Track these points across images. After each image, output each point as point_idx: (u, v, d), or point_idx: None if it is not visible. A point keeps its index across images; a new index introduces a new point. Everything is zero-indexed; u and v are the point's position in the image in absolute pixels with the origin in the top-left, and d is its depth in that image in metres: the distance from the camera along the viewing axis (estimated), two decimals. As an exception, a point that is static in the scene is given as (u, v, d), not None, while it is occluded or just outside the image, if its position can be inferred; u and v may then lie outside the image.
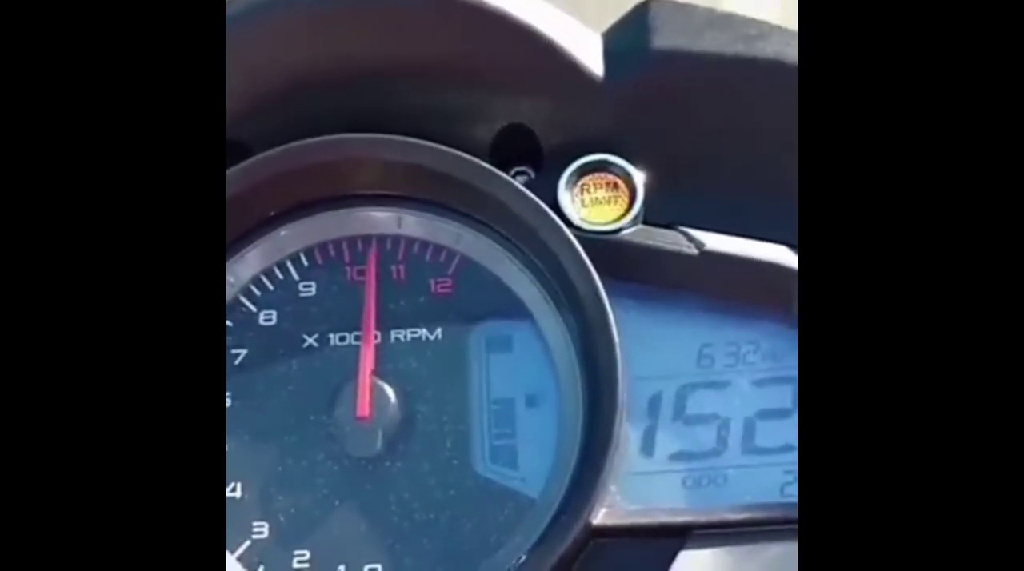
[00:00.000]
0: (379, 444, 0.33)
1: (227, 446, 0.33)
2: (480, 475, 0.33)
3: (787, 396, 0.34)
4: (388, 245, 0.34)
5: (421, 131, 0.35)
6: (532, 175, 0.36)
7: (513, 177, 0.35)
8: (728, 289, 0.34)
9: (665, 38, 0.36)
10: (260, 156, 0.33)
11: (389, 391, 0.33)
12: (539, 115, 0.36)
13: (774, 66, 0.35)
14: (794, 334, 0.34)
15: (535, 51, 0.35)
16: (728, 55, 0.35)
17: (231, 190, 0.33)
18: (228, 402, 0.33)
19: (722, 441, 0.33)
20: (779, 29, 0.36)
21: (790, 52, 0.35)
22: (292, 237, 0.34)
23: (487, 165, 0.34)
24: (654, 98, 0.35)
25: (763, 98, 0.34)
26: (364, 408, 0.33)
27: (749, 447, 0.33)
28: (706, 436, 0.34)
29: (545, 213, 0.33)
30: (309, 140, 0.33)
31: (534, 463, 0.33)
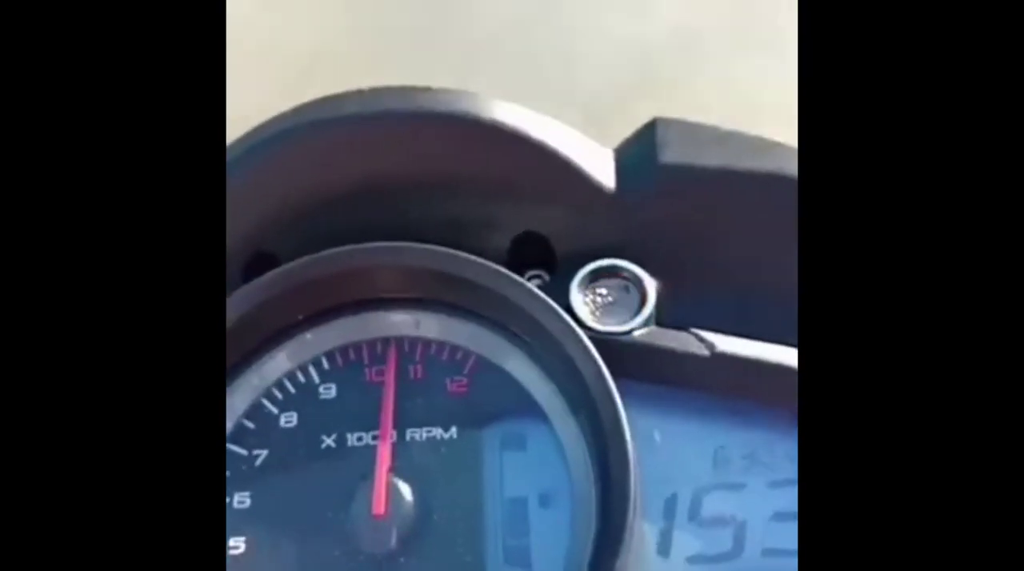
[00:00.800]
0: (393, 541, 0.32)
1: (245, 547, 0.32)
2: (494, 576, 0.32)
3: None
4: (406, 346, 0.34)
5: (441, 239, 0.35)
6: (546, 279, 0.37)
7: (528, 281, 0.35)
8: (741, 390, 0.34)
9: (672, 153, 0.37)
10: (287, 266, 0.34)
11: (405, 489, 0.33)
12: (553, 224, 0.36)
13: (775, 179, 0.35)
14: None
15: (551, 166, 0.36)
16: (732, 169, 0.36)
17: (261, 297, 0.34)
18: (247, 503, 0.33)
19: (739, 543, 0.32)
20: (780, 145, 0.38)
21: (790, 166, 0.37)
22: (315, 341, 0.34)
23: (501, 268, 0.34)
24: (662, 208, 0.36)
25: (765, 209, 0.35)
26: (380, 506, 0.32)
27: (767, 549, 0.32)
28: (723, 538, 0.32)
29: (559, 314, 0.33)
30: (332, 250, 0.34)
31: (547, 564, 0.32)
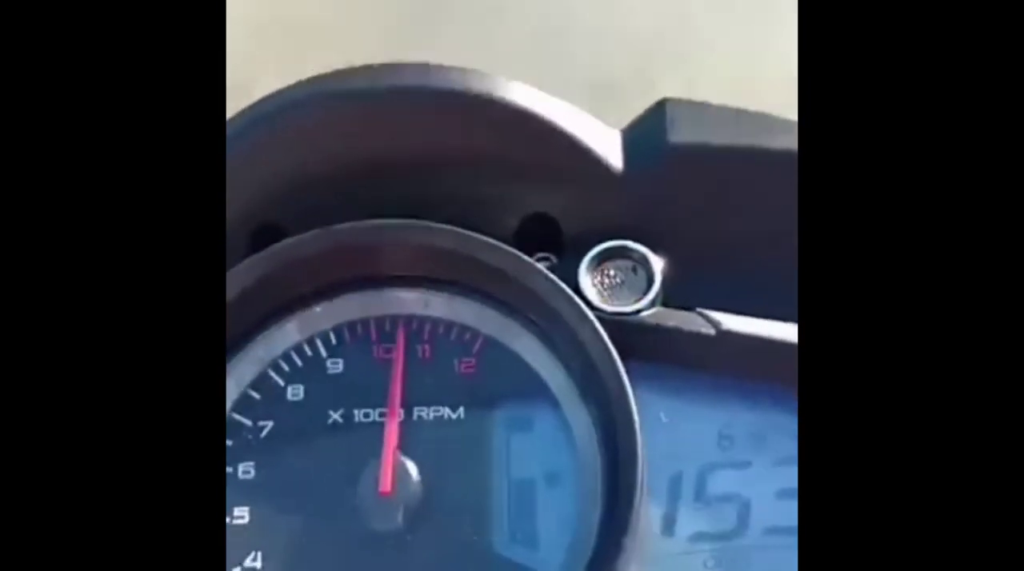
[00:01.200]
0: (400, 519, 0.32)
1: (249, 517, 0.32)
2: (499, 554, 0.32)
3: None
4: (415, 325, 0.35)
5: (450, 218, 0.35)
6: (554, 260, 0.36)
7: (537, 262, 0.36)
8: (747, 369, 0.34)
9: (680, 133, 0.37)
10: (295, 238, 0.34)
11: (412, 468, 0.33)
12: (562, 205, 0.37)
13: (782, 157, 0.35)
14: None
15: (559, 146, 0.36)
16: (739, 147, 0.36)
17: (267, 269, 0.34)
18: (252, 473, 0.33)
19: (743, 521, 0.32)
20: (788, 122, 0.38)
21: (795, 142, 0.37)
22: (324, 315, 0.34)
23: (510, 248, 0.34)
24: (670, 189, 0.36)
25: (772, 187, 0.35)
26: (387, 484, 0.32)
27: (771, 527, 0.32)
28: (727, 516, 0.33)
29: (568, 295, 0.33)
30: (341, 225, 0.34)
31: (553, 543, 0.32)
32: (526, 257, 0.35)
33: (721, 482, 0.33)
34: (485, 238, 0.35)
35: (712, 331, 0.34)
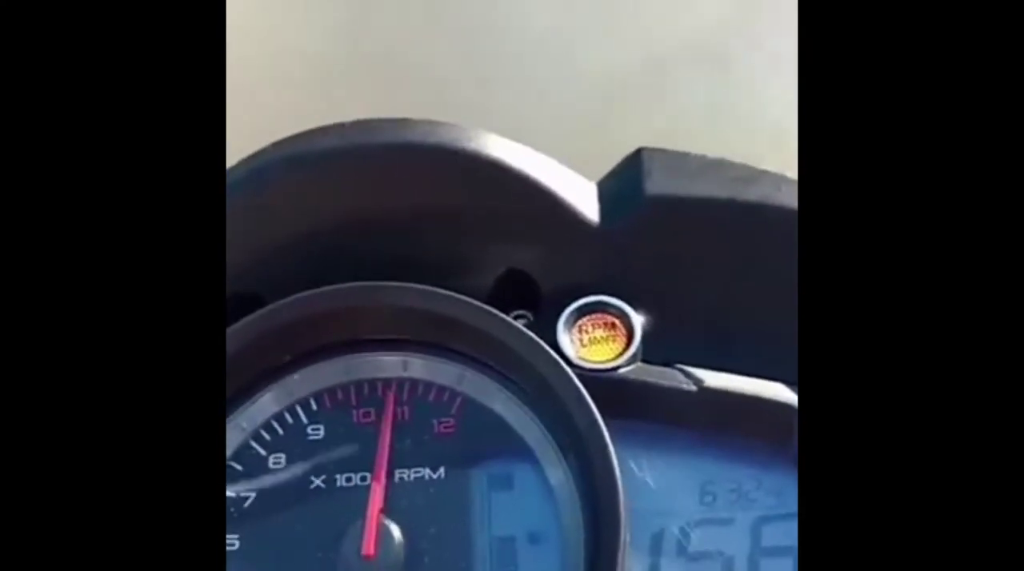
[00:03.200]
0: None
1: (233, 588, 0.34)
2: (483, 615, 0.33)
3: (791, 533, 0.34)
4: (394, 388, 0.36)
5: (423, 277, 0.36)
6: (531, 318, 0.37)
7: (514, 320, 0.37)
8: (728, 426, 0.35)
9: (657, 184, 0.38)
10: (269, 307, 0.35)
11: (395, 530, 0.34)
12: (536, 260, 0.38)
13: (762, 209, 0.36)
14: (795, 471, 0.36)
15: (532, 199, 0.37)
16: (718, 199, 0.38)
17: (243, 340, 0.35)
18: (236, 545, 0.34)
19: (727, 579, 0.35)
20: (768, 174, 0.39)
21: (777, 195, 0.38)
22: (302, 382, 0.36)
23: (486, 306, 0.35)
24: (648, 241, 0.37)
25: (753, 239, 0.36)
26: (370, 547, 0.33)
27: None
28: (709, 573, 0.35)
29: (545, 351, 0.35)
30: (316, 290, 0.35)
31: None
32: (503, 316, 0.36)
33: (704, 539, 0.35)
34: (463, 298, 0.36)
35: (693, 387, 0.35)
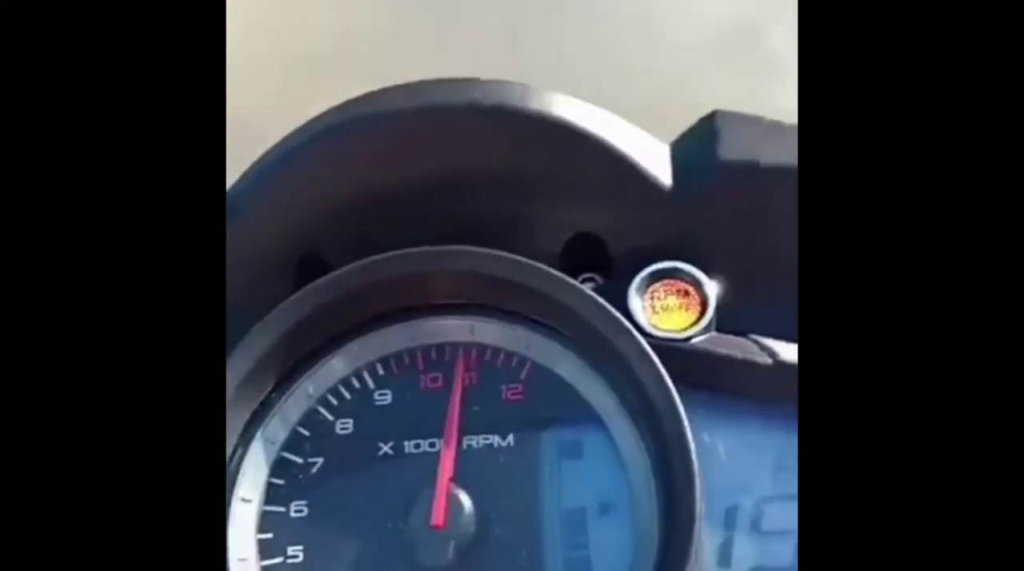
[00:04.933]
0: (451, 554, 0.33)
1: (303, 555, 0.34)
2: (554, 586, 0.34)
3: None
4: (461, 352, 0.36)
5: (493, 240, 0.36)
6: (600, 282, 0.37)
7: (582, 284, 0.36)
8: (802, 398, 0.37)
9: (730, 149, 0.37)
10: (336, 273, 0.35)
11: (465, 499, 0.34)
12: (608, 224, 0.37)
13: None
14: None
15: (604, 162, 0.37)
16: (791, 165, 0.38)
17: (309, 305, 0.35)
18: (304, 511, 0.34)
19: (801, 555, 0.35)
20: None
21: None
22: (369, 347, 0.36)
23: (557, 272, 0.35)
24: (721, 207, 0.36)
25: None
26: (440, 517, 0.33)
27: None
28: (784, 551, 0.34)
29: (617, 319, 0.34)
30: (382, 255, 0.35)
31: None
32: (571, 280, 0.35)
33: (778, 515, 0.34)
34: (530, 262, 0.35)
35: (768, 360, 0.35)
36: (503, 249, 0.36)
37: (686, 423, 0.33)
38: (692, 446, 0.33)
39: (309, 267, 0.36)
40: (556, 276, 0.35)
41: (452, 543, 0.34)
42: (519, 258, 0.36)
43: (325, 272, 0.35)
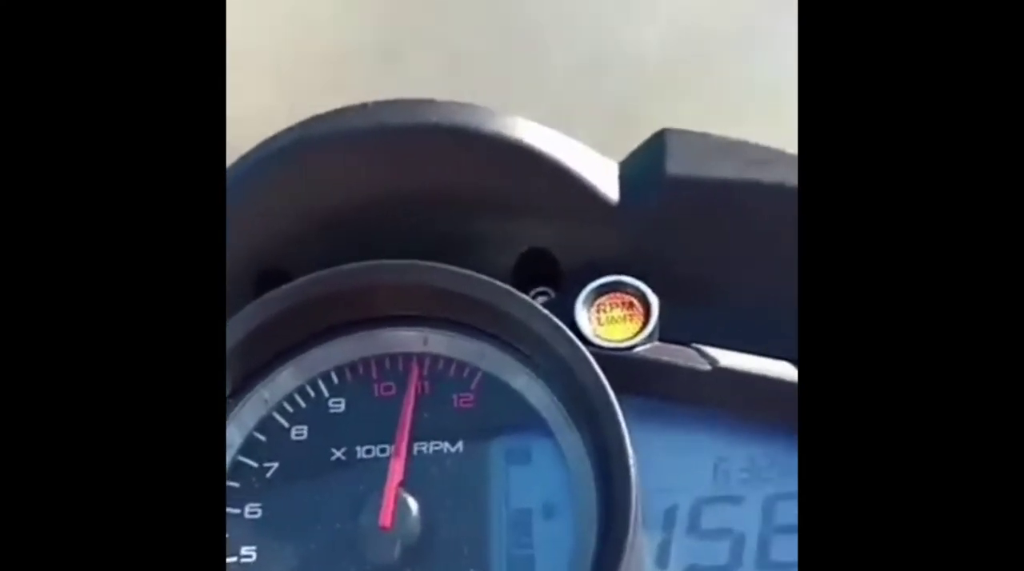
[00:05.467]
0: (397, 553, 0.35)
1: (256, 555, 0.35)
2: (498, 586, 0.35)
3: None
4: (414, 362, 0.38)
5: (448, 256, 0.37)
6: (552, 295, 0.39)
7: (534, 297, 0.38)
8: (742, 405, 0.36)
9: (678, 165, 0.39)
10: (293, 284, 0.37)
11: (412, 502, 0.36)
12: (559, 239, 0.39)
13: (779, 190, 0.37)
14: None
15: (555, 180, 0.38)
16: (736, 180, 0.38)
17: (269, 313, 0.37)
18: (259, 513, 0.36)
19: (736, 556, 0.35)
20: (786, 155, 0.40)
21: (792, 176, 0.38)
22: (324, 357, 0.37)
23: (506, 286, 0.37)
24: (667, 222, 0.38)
25: (769, 221, 0.37)
26: (387, 518, 0.35)
27: (764, 562, 0.35)
28: (720, 550, 0.35)
29: (562, 330, 0.36)
30: (338, 268, 0.37)
31: None
32: (520, 293, 0.37)
33: (715, 516, 0.36)
34: (480, 276, 0.37)
35: (708, 367, 0.36)
36: (460, 263, 0.38)
37: (624, 428, 0.35)
38: (630, 450, 0.34)
39: (269, 280, 0.38)
40: (504, 289, 0.37)
41: (399, 542, 0.35)
42: (469, 272, 0.37)
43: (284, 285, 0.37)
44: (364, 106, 0.39)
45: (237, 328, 0.36)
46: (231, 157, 0.37)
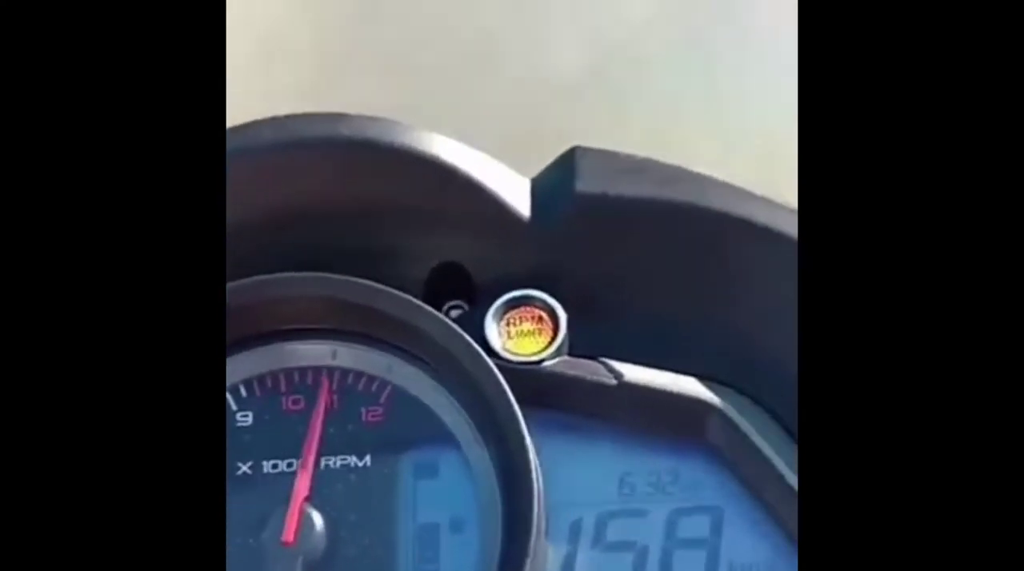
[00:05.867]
0: (299, 569, 0.34)
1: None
2: (402, 601, 0.35)
3: (705, 526, 0.36)
4: (324, 375, 0.38)
5: (360, 269, 0.37)
6: (466, 309, 0.39)
7: (447, 311, 0.38)
8: (647, 419, 0.37)
9: (587, 182, 0.39)
10: (201, 296, 0.38)
11: (316, 517, 0.35)
12: (471, 254, 0.39)
13: (687, 209, 0.38)
14: (711, 467, 0.37)
15: (467, 195, 0.38)
16: (646, 198, 0.39)
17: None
18: (160, 527, 0.37)
19: (639, 569, 0.35)
20: (694, 174, 0.40)
21: (703, 195, 0.39)
22: (231, 370, 0.37)
23: (414, 299, 0.37)
24: (578, 237, 0.38)
25: (674, 238, 0.37)
26: (289, 534, 0.35)
27: None
28: (624, 564, 0.35)
29: (467, 343, 0.36)
30: (245, 280, 0.37)
31: None
32: (428, 307, 0.37)
33: (619, 529, 0.36)
34: (389, 289, 0.37)
35: (613, 381, 0.37)
36: (372, 276, 0.38)
37: (528, 441, 0.35)
38: (534, 463, 0.35)
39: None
40: (412, 303, 0.37)
41: (300, 559, 0.35)
42: (378, 286, 0.37)
43: (190, 297, 0.37)
44: (274, 119, 0.39)
45: (140, 340, 0.36)
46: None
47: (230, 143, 0.38)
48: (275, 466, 0.36)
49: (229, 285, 0.37)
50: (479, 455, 0.36)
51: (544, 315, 0.38)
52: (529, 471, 0.34)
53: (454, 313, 0.39)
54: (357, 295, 0.37)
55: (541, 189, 0.39)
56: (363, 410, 0.37)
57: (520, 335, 0.38)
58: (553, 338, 0.38)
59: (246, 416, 0.37)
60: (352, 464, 0.36)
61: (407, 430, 0.37)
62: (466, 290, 0.40)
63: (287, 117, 0.39)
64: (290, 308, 0.37)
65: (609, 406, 0.37)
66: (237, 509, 0.36)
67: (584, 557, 0.36)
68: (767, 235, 0.37)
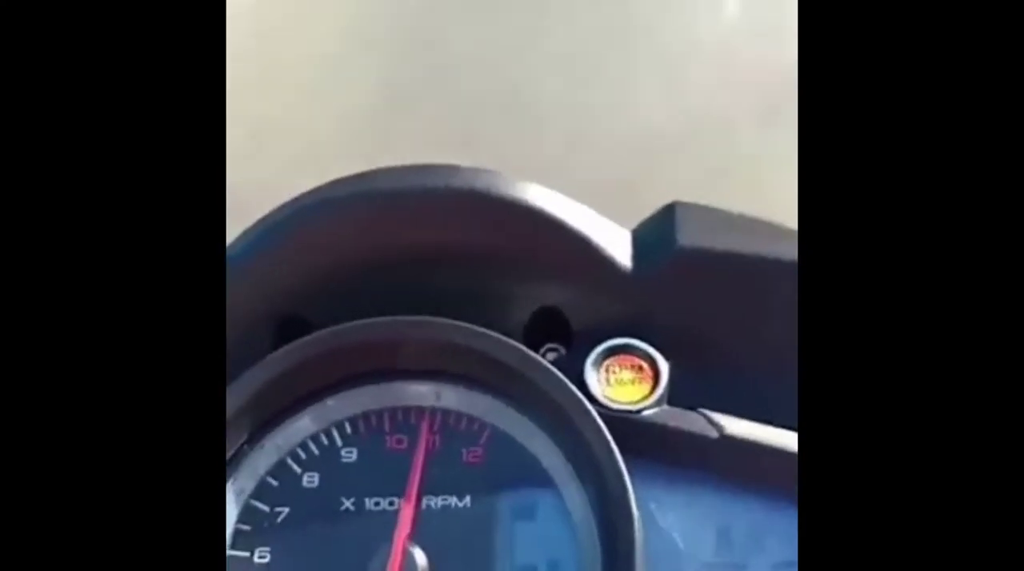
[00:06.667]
0: None
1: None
2: (501, 642, 0.35)
3: None
4: (427, 416, 0.38)
5: (463, 313, 0.38)
6: (562, 353, 0.40)
7: (544, 354, 0.39)
8: (747, 473, 0.37)
9: (688, 236, 0.40)
10: (311, 336, 0.38)
11: (419, 555, 0.36)
12: (571, 300, 0.40)
13: (783, 264, 0.38)
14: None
15: (570, 244, 0.40)
16: (745, 254, 0.40)
17: (285, 364, 0.37)
18: (267, 557, 0.36)
19: (737, 621, 0.36)
20: (790, 231, 0.42)
21: (796, 251, 0.40)
22: (339, 407, 0.38)
23: (519, 345, 0.37)
24: (677, 290, 0.39)
25: (775, 294, 0.38)
26: (394, 570, 0.35)
27: None
28: (722, 616, 0.36)
29: (571, 391, 0.37)
30: (357, 322, 0.38)
31: None
32: (532, 353, 0.38)
33: (717, 582, 0.36)
34: (494, 334, 0.38)
35: (715, 434, 0.37)
36: (475, 320, 0.39)
37: (630, 490, 0.35)
38: (635, 512, 0.35)
39: (291, 328, 0.39)
40: (517, 348, 0.38)
41: None
42: (483, 330, 0.38)
43: (305, 333, 0.38)
44: (390, 169, 0.40)
45: (258, 375, 0.37)
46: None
47: (351, 189, 0.40)
48: (377, 503, 0.37)
49: (338, 327, 0.38)
50: (577, 498, 0.37)
51: (644, 364, 0.39)
52: (630, 516, 0.35)
53: (550, 356, 0.40)
54: (464, 338, 0.38)
55: (642, 241, 0.40)
56: (464, 451, 0.38)
57: (619, 383, 0.38)
58: (654, 388, 0.38)
59: (350, 452, 0.38)
60: (453, 504, 0.37)
61: (506, 472, 0.37)
62: (564, 335, 0.41)
63: (401, 167, 0.40)
64: (399, 349, 0.38)
65: (709, 459, 0.37)
66: (341, 543, 0.36)
67: (683, 608, 0.36)
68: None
